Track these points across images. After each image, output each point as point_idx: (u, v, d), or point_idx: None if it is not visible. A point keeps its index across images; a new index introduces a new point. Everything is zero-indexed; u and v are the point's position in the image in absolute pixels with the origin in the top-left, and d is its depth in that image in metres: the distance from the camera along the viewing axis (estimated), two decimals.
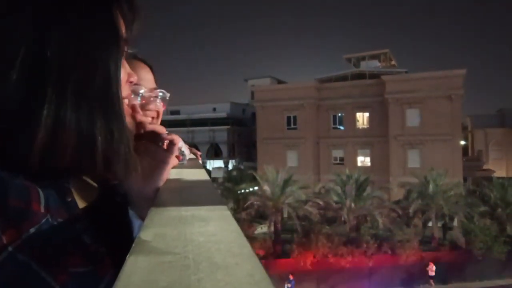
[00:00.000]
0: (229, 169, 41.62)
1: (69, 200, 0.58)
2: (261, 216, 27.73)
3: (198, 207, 0.60)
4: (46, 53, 0.52)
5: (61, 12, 0.53)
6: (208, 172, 46.96)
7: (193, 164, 1.25)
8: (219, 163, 48.96)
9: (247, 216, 27.03)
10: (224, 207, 0.60)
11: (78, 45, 0.54)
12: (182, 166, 1.09)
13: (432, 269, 23.63)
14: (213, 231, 0.46)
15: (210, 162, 49.81)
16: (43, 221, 0.51)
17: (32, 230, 0.49)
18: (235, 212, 28.03)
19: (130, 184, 0.72)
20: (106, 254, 0.58)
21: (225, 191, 30.47)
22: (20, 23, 0.52)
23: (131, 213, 0.74)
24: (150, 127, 0.72)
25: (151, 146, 0.74)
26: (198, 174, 0.94)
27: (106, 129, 0.57)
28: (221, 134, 50.52)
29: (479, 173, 37.60)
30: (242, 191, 30.18)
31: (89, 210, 0.63)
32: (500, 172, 40.21)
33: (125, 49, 0.63)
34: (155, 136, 0.74)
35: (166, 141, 0.73)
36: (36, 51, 0.51)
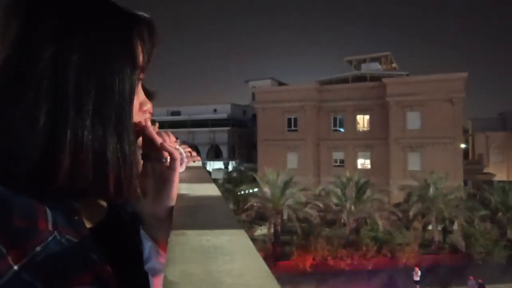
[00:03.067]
0: (229, 170, 41.62)
1: (77, 218, 0.58)
2: (261, 218, 27.73)
3: (217, 232, 0.59)
4: (66, 76, 0.54)
5: (82, 36, 0.55)
6: (209, 173, 46.94)
7: (201, 176, 1.22)
8: (219, 164, 48.98)
9: (247, 218, 27.03)
10: (242, 231, 0.59)
11: (97, 70, 0.56)
12: (192, 180, 1.06)
13: (417, 274, 23.53)
14: (239, 270, 0.46)
15: (210, 163, 49.83)
16: (50, 239, 0.51)
17: (38, 248, 0.49)
18: (235, 214, 27.97)
19: (141, 206, 0.71)
20: (113, 273, 0.57)
21: (225, 192, 30.48)
22: (41, 46, 0.53)
23: (142, 232, 0.72)
24: (150, 130, 0.69)
25: (155, 166, 0.71)
26: (209, 189, 0.92)
27: (119, 151, 0.59)
28: (222, 135, 50.54)
29: (479, 177, 37.57)
30: (242, 192, 30.17)
31: (97, 228, 0.64)
32: (500, 175, 40.20)
33: (141, 76, 0.64)
34: (156, 151, 0.71)
35: (167, 158, 0.71)
36: (56, 74, 0.53)
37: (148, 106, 0.70)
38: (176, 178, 0.70)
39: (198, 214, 0.68)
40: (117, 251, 0.64)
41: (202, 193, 0.87)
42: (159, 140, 0.69)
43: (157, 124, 7.79)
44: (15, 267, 0.46)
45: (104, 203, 0.69)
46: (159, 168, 0.71)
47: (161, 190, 0.70)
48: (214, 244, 0.53)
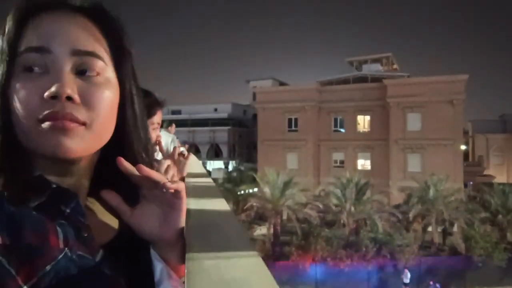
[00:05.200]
0: (229, 170, 41.62)
1: (86, 235, 0.59)
2: (260, 218, 27.72)
3: (233, 260, 0.59)
4: (139, 103, 0.72)
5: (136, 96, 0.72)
6: (208, 172, 47.02)
7: (208, 189, 1.20)
8: (219, 163, 48.98)
9: (247, 218, 27.02)
10: (256, 255, 0.59)
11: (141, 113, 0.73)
12: (199, 194, 1.04)
13: (406, 276, 23.52)
14: None
15: (210, 163, 49.82)
16: (60, 256, 0.51)
17: (48, 267, 0.49)
18: (235, 213, 27.95)
19: (148, 230, 0.68)
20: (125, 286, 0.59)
21: (225, 192, 30.46)
22: (127, 81, 0.71)
23: (152, 253, 0.70)
24: (146, 170, 0.64)
25: (160, 194, 0.67)
26: (217, 204, 0.90)
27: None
28: (222, 134, 50.55)
29: (479, 179, 37.59)
30: (242, 192, 30.15)
31: (109, 244, 0.65)
32: (501, 178, 40.21)
33: None
34: (154, 184, 0.66)
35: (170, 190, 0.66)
36: (133, 102, 0.71)
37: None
38: (184, 206, 0.68)
39: (211, 235, 0.66)
40: (129, 267, 0.64)
41: (211, 207, 0.84)
42: (160, 180, 0.65)
43: (173, 126, 7.64)
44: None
45: (115, 221, 0.70)
46: (165, 196, 0.67)
47: (169, 217, 0.68)
48: (233, 277, 0.53)
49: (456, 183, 30.41)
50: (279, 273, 23.89)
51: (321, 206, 27.19)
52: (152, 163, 0.76)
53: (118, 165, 0.62)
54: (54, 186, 0.60)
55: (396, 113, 35.66)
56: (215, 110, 53.49)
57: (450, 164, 33.12)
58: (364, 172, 34.32)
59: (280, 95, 40.85)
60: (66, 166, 0.63)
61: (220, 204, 0.91)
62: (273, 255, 25.02)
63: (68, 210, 0.59)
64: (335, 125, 39.75)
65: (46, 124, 0.58)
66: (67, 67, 0.60)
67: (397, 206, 28.58)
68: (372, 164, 37.75)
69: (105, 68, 0.64)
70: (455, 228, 27.40)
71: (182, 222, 0.69)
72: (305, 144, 38.94)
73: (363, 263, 24.26)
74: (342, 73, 42.84)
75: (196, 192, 1.11)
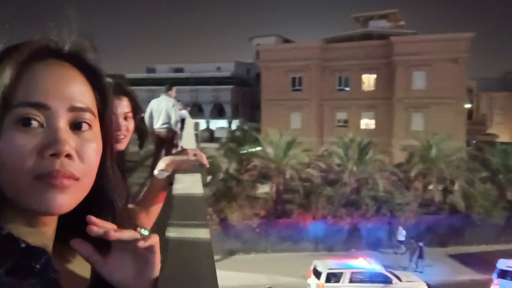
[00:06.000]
0: (232, 129, 41.64)
1: None
2: (263, 177, 27.97)
3: None
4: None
5: None
6: (211, 131, 47.17)
7: (193, 209, 1.26)
8: (222, 123, 48.79)
9: (250, 177, 27.28)
10: None
11: None
12: (181, 215, 1.11)
13: (401, 234, 23.99)
14: None
15: (213, 122, 49.65)
16: None
17: None
18: (238, 173, 28.24)
19: (121, 281, 0.67)
20: None
21: (228, 151, 30.53)
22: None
23: None
24: (115, 235, 0.62)
25: (129, 244, 0.65)
26: (199, 234, 0.95)
27: None
28: (225, 94, 50.09)
29: (482, 138, 37.53)
30: (245, 151, 30.28)
31: None
32: (504, 136, 40.12)
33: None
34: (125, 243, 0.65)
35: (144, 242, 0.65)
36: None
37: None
38: (158, 259, 0.67)
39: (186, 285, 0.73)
40: None
41: (191, 246, 0.89)
42: (132, 239, 0.64)
43: (174, 90, 7.56)
44: None
45: (87, 267, 0.70)
46: (137, 250, 0.66)
47: (142, 269, 0.67)
48: None
49: (459, 142, 30.42)
50: (281, 230, 24.50)
51: (323, 165, 27.36)
52: (127, 200, 0.81)
53: (88, 229, 0.62)
54: (23, 245, 0.59)
55: (402, 71, 35.18)
56: (218, 69, 52.70)
57: (453, 123, 33.01)
58: (368, 131, 34.33)
59: (284, 53, 40.16)
60: (45, 217, 0.64)
61: (201, 233, 0.98)
62: (275, 213, 25.48)
63: (38, 266, 0.59)
64: (339, 84, 39.36)
65: (42, 181, 0.58)
66: (64, 123, 0.61)
67: (398, 165, 28.73)
68: (375, 123, 37.57)
69: (94, 121, 0.66)
70: (456, 187, 27.68)
71: (156, 273, 0.68)
72: (309, 103, 38.67)
73: (362, 221, 24.69)
74: (347, 30, 41.90)
75: (180, 212, 1.17)
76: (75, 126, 0.62)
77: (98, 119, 0.68)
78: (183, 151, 1.73)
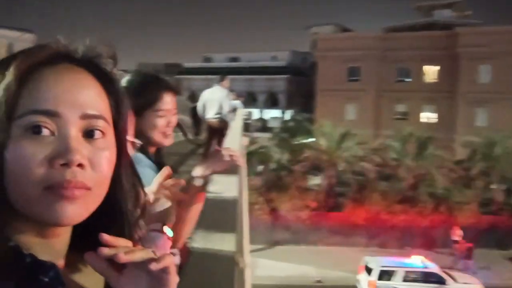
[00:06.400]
0: (285, 119, 41.56)
1: None
2: (315, 168, 27.78)
3: None
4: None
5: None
6: (265, 121, 47.39)
7: (224, 214, 1.19)
8: (276, 112, 48.86)
9: (301, 168, 27.17)
10: None
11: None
12: (210, 224, 1.04)
13: (456, 234, 22.69)
14: None
15: (266, 112, 49.82)
16: None
17: None
18: (290, 164, 28.21)
19: None
20: None
21: (281, 141, 30.53)
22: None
23: None
24: (125, 258, 0.59)
25: (142, 264, 0.62)
26: (225, 246, 0.88)
27: None
28: (280, 83, 50.03)
29: None
30: (298, 142, 30.16)
31: None
32: None
33: None
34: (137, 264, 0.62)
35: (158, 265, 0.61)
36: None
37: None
38: (173, 280, 0.63)
39: None
40: None
41: (213, 260, 0.83)
42: (144, 260, 0.60)
43: (227, 80, 7.69)
44: None
45: (98, 281, 0.67)
46: (152, 271, 0.62)
47: None
48: None
49: None
50: (332, 224, 24.23)
51: (378, 159, 26.74)
52: (143, 213, 0.76)
53: (98, 250, 0.58)
54: (28, 260, 0.57)
55: (466, 64, 33.81)
56: (274, 58, 52.70)
57: None
58: (428, 125, 33.34)
59: (342, 42, 39.58)
60: (56, 228, 0.62)
61: (227, 246, 0.90)
62: (327, 205, 25.29)
63: (46, 280, 0.57)
64: (399, 75, 38.41)
65: (53, 192, 0.56)
66: (76, 131, 0.59)
67: (459, 162, 27.63)
68: (436, 117, 36.42)
69: (108, 128, 0.63)
70: None
71: None
72: (366, 94, 37.95)
73: (418, 218, 23.98)
74: (409, 20, 40.56)
75: (208, 219, 1.10)
76: (88, 133, 0.60)
77: (112, 126, 0.65)
78: (218, 154, 1.67)
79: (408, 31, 38.23)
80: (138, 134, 1.65)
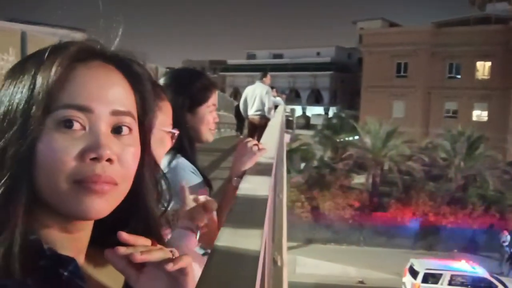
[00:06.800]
0: (329, 116, 41.07)
1: None
2: (359, 167, 27.27)
3: None
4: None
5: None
6: (307, 118, 47.08)
7: (254, 212, 1.12)
8: (319, 109, 48.48)
9: (345, 167, 26.74)
10: None
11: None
12: (240, 221, 0.98)
13: (506, 238, 21.30)
14: None
15: (310, 108, 49.50)
16: None
17: None
18: (333, 162, 27.83)
19: None
20: None
21: (324, 139, 30.24)
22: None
23: None
24: (141, 258, 0.59)
25: (159, 264, 0.62)
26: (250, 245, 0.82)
27: None
28: (324, 79, 49.57)
29: None
30: (342, 140, 29.71)
31: None
32: None
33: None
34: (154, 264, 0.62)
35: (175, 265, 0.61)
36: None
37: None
38: (191, 282, 0.63)
39: None
40: None
41: (236, 261, 0.76)
42: (161, 260, 0.61)
43: (268, 76, 7.69)
44: None
45: (118, 278, 0.67)
46: (169, 272, 0.63)
47: None
48: None
49: None
50: (376, 224, 23.70)
51: (426, 159, 25.88)
52: (166, 208, 0.77)
53: (115, 249, 0.59)
54: (48, 253, 0.58)
55: None
56: (318, 54, 52.24)
57: None
58: (479, 124, 32.07)
59: (389, 37, 38.70)
60: (79, 223, 0.64)
61: (253, 246, 0.83)
62: (371, 205, 24.76)
63: (66, 274, 0.58)
64: (450, 72, 37.27)
65: (82, 186, 0.58)
66: (107, 127, 0.61)
67: None
68: (489, 115, 35.04)
69: (134, 125, 0.65)
70: None
71: None
72: (414, 91, 37.00)
73: (468, 221, 23.09)
74: (461, 13, 39.03)
75: (236, 216, 1.04)
76: (116, 130, 0.63)
77: (138, 123, 0.67)
78: (244, 148, 1.68)
79: (459, 26, 36.63)
80: (189, 130, 1.70)
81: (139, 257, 0.58)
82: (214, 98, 1.83)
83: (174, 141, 1.41)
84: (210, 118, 1.79)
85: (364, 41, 40.83)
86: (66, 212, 0.59)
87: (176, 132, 1.41)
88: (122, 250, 0.59)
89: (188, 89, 1.75)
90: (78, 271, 0.60)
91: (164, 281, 0.62)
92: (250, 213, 1.12)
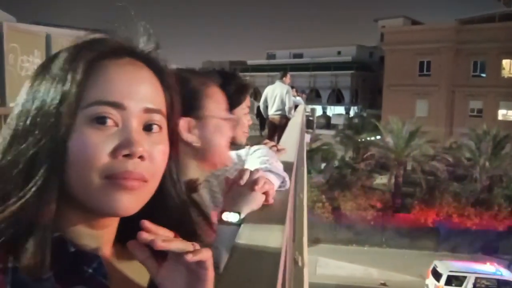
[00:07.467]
0: (350, 116, 40.69)
1: None
2: (381, 167, 26.93)
3: None
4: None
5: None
6: (328, 118, 46.77)
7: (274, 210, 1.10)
8: (340, 109, 48.06)
9: (366, 167, 26.44)
10: None
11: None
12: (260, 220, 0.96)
13: None
14: None
15: (330, 108, 49.10)
16: None
17: None
18: (354, 162, 27.55)
19: None
20: None
21: (345, 138, 29.96)
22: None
23: None
24: (161, 245, 0.59)
25: (179, 255, 0.61)
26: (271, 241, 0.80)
27: None
28: (345, 79, 49.08)
29: None
30: (363, 139, 29.38)
31: None
32: None
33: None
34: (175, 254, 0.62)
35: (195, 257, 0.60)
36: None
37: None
38: (210, 276, 0.62)
39: None
40: None
41: (257, 257, 0.74)
42: (180, 251, 0.60)
43: (288, 76, 7.71)
44: None
45: (142, 272, 0.66)
46: (189, 264, 0.62)
47: (192, 285, 0.63)
48: None
49: None
50: (399, 225, 23.36)
51: (450, 159, 25.39)
52: (187, 201, 0.76)
53: (138, 234, 0.59)
54: (73, 249, 0.59)
55: None
56: (339, 53, 51.77)
57: None
58: (505, 123, 31.23)
59: (412, 35, 38.10)
60: (106, 220, 0.64)
61: (274, 242, 0.82)
62: (393, 206, 24.41)
63: (90, 270, 0.59)
64: (475, 70, 36.31)
65: (113, 182, 0.58)
66: (138, 124, 0.61)
67: None
68: None
69: (164, 123, 0.66)
70: None
71: None
72: (438, 90, 36.33)
73: (493, 222, 22.55)
74: (486, 10, 38.13)
75: (253, 216, 1.03)
76: (147, 127, 0.63)
77: (167, 120, 0.68)
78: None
79: (485, 23, 35.78)
80: None
81: (160, 244, 0.58)
82: (248, 100, 1.80)
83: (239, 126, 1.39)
84: (244, 120, 1.76)
85: (386, 39, 40.26)
86: (95, 208, 0.59)
87: (233, 116, 1.39)
88: (144, 235, 0.59)
89: (227, 91, 1.73)
90: (102, 268, 0.61)
91: (183, 274, 0.62)
92: (270, 211, 1.10)
